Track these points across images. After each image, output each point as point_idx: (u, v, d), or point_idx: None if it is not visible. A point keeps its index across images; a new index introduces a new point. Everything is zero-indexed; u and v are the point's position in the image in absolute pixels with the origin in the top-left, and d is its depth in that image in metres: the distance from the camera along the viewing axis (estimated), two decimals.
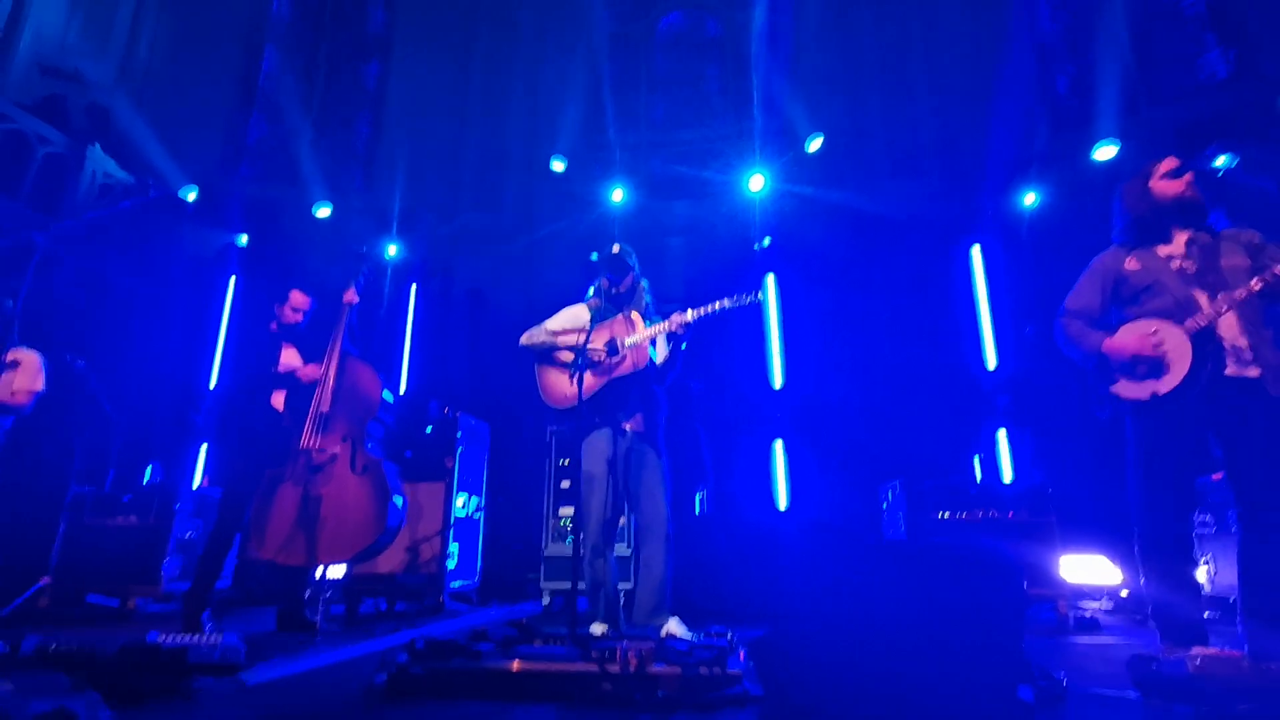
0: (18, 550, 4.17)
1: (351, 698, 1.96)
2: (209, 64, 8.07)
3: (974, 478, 5.32)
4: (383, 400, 3.50)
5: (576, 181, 7.30)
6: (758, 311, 6.35)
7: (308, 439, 3.29)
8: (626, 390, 3.11)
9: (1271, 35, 5.86)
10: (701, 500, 4.98)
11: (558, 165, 7.08)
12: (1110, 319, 2.44)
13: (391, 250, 6.84)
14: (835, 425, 5.87)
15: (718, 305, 2.99)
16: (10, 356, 3.41)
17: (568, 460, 4.72)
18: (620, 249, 3.25)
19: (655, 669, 1.89)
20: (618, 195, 6.81)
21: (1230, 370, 2.16)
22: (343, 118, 8.64)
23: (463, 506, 4.74)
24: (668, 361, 3.19)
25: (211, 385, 6.38)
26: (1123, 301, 2.39)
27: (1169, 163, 2.39)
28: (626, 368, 3.07)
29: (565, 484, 4.71)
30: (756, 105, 7.35)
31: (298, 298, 3.70)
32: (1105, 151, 5.95)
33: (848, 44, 7.42)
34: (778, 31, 7.39)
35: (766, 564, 4.32)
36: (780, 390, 6.12)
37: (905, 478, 4.26)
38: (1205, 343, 2.18)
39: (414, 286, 6.94)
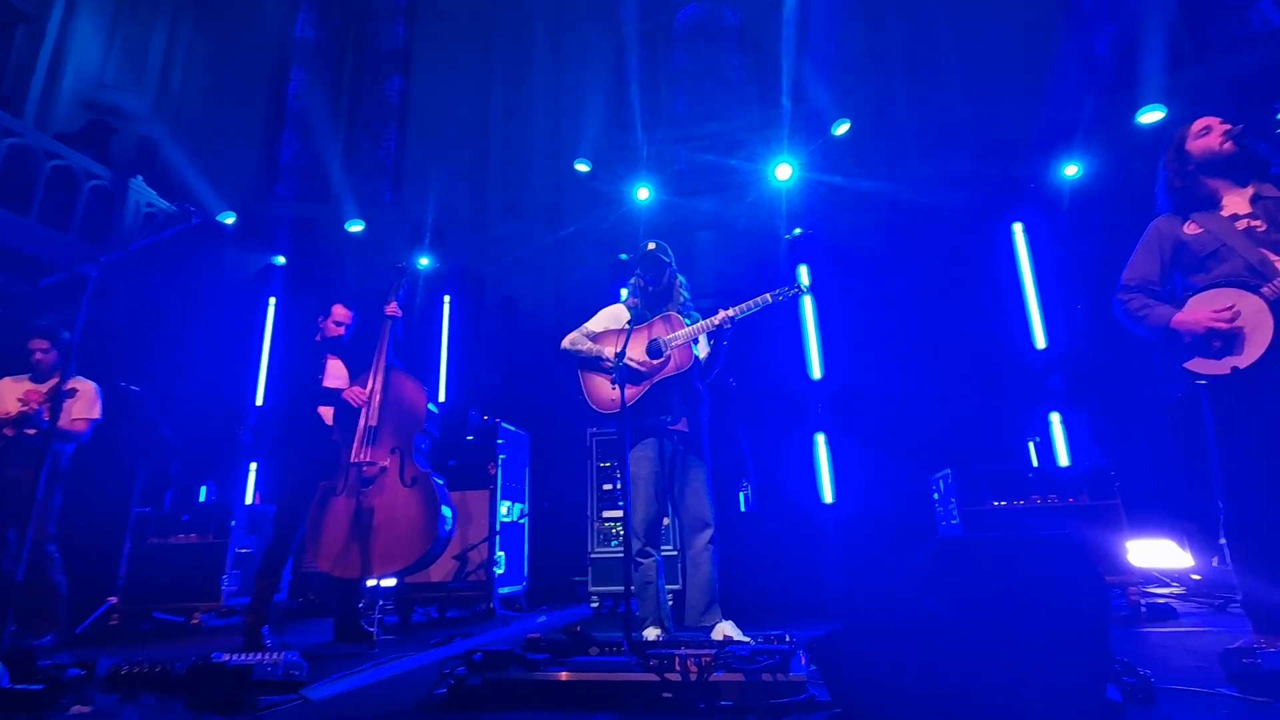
0: (86, 571, 4.33)
1: (412, 711, 1.96)
2: (239, 89, 8.28)
3: (1029, 463, 5.13)
4: (429, 412, 3.52)
5: (602, 182, 7.28)
6: (794, 303, 6.25)
7: (358, 453, 3.34)
8: (670, 392, 3.08)
9: None
10: (745, 496, 4.91)
11: (581, 167, 7.06)
12: (1175, 289, 2.26)
13: (423, 262, 6.92)
14: (879, 415, 5.74)
15: (760, 300, 2.96)
16: (68, 385, 3.54)
17: (609, 463, 4.70)
18: (656, 246, 3.20)
19: (717, 677, 1.84)
20: (643, 194, 6.77)
21: None
22: (370, 133, 8.79)
23: (507, 513, 4.76)
24: (710, 358, 3.16)
25: (258, 403, 6.55)
26: (1187, 269, 2.21)
27: (1200, 122, 2.25)
28: (670, 369, 3.04)
29: (607, 487, 4.70)
30: (780, 93, 7.23)
31: (340, 311, 3.76)
32: (1151, 116, 5.68)
33: (871, 24, 7.25)
34: (798, 15, 7.25)
35: (815, 559, 4.24)
36: (820, 381, 6.01)
37: (955, 466, 4.12)
38: None
39: (447, 298, 7.01)
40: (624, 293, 3.43)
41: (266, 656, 2.17)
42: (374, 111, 9.00)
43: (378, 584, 3.51)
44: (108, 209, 6.70)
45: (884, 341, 5.90)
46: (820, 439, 5.87)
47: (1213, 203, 2.20)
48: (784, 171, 6.39)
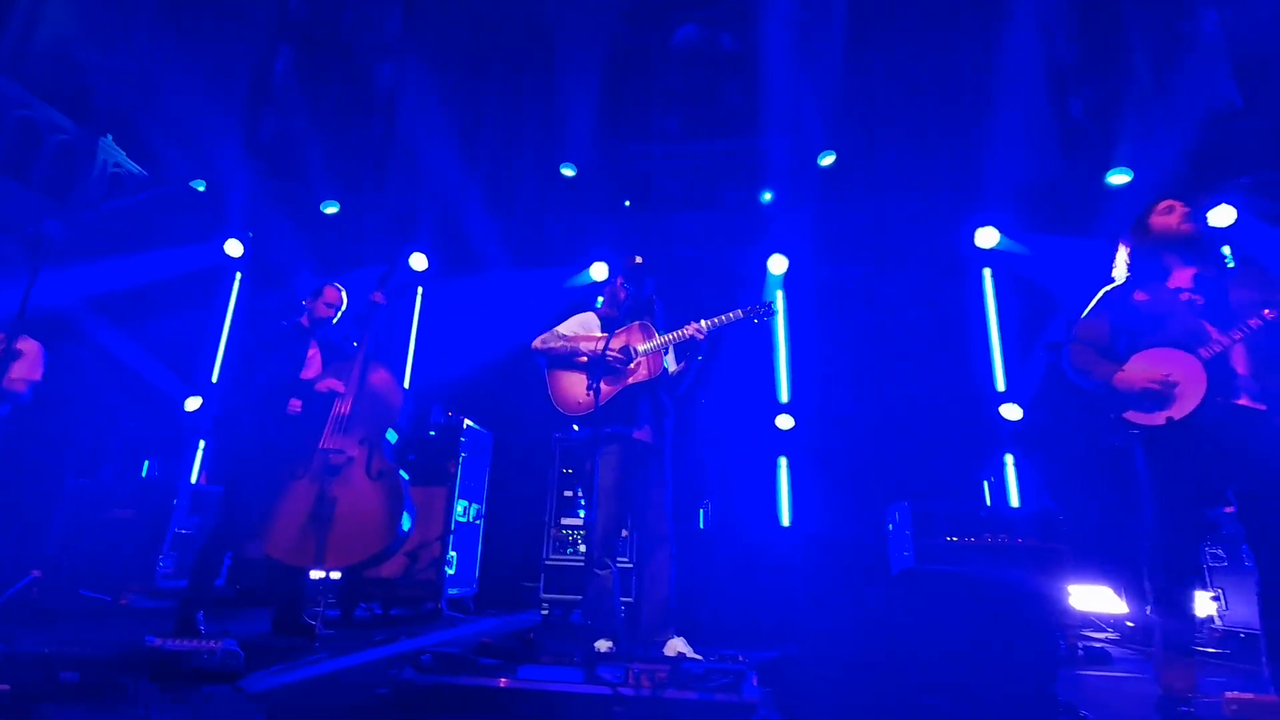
0: (11, 542, 4.11)
1: (353, 710, 1.90)
2: (223, 60, 8.07)
3: (983, 501, 5.26)
4: (402, 407, 3.46)
5: (587, 189, 7.28)
6: (766, 327, 6.33)
7: (327, 439, 3.25)
8: (638, 400, 3.08)
9: None
10: (705, 514, 4.92)
11: (567, 172, 7.06)
12: (1119, 347, 2.46)
13: (419, 262, 6.80)
14: (842, 443, 5.82)
15: (732, 316, 2.99)
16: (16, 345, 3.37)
17: (572, 469, 4.67)
18: (642, 260, 3.22)
19: (670, 694, 1.83)
20: (628, 204, 6.79)
21: (1242, 401, 2.18)
22: (357, 118, 8.64)
23: (463, 513, 4.68)
24: (681, 372, 3.18)
25: (213, 380, 6.32)
26: (1133, 332, 2.42)
27: (1165, 203, 2.49)
28: (640, 375, 3.05)
29: (568, 493, 4.66)
30: (769, 120, 7.35)
31: (332, 293, 3.64)
32: (1119, 178, 5.95)
33: (863, 63, 7.43)
34: (793, 48, 7.40)
35: (770, 582, 4.26)
36: (787, 406, 6.08)
37: (912, 499, 4.21)
38: (1218, 371, 2.21)
39: (420, 289, 6.90)
40: (600, 301, 3.44)
41: (203, 644, 2.08)
42: (363, 96, 8.86)
43: (326, 576, 3.41)
44: (72, 165, 6.43)
45: (853, 372, 6.00)
46: (783, 462, 5.92)
47: (1163, 275, 2.43)
48: (768, 197, 6.49)
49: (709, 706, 1.82)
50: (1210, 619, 4.42)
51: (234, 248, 6.52)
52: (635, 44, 8.61)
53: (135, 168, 7.08)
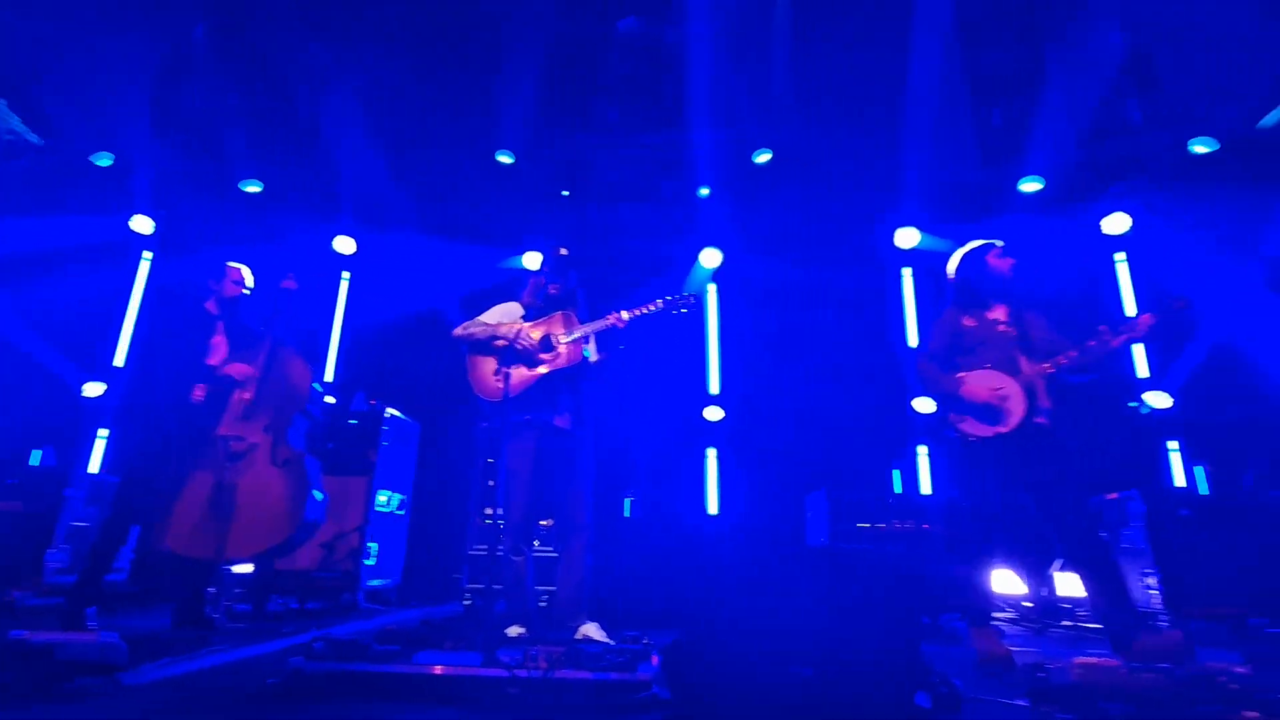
0: None
1: (239, 701, 1.85)
2: (136, 29, 7.57)
3: (893, 489, 5.50)
4: (312, 393, 3.35)
5: (525, 178, 7.20)
6: (699, 319, 6.43)
7: (228, 425, 3.12)
8: (558, 388, 3.09)
9: (1185, 83, 6.29)
10: (631, 504, 4.97)
11: (505, 159, 6.97)
12: (951, 363, 2.92)
13: (346, 245, 6.57)
14: (769, 434, 5.98)
15: (652, 307, 3.05)
16: None
17: (495, 459, 4.64)
18: (567, 252, 3.24)
19: (565, 674, 1.86)
20: (567, 194, 6.75)
21: (1040, 419, 2.71)
22: (281, 96, 8.25)
23: (386, 503, 4.58)
24: (604, 361, 3.20)
25: (118, 364, 5.96)
26: (962, 350, 2.89)
27: (997, 249, 2.99)
28: (560, 363, 3.06)
29: (492, 482, 4.63)
30: (706, 115, 7.41)
31: (239, 274, 3.48)
32: (1030, 185, 6.31)
33: (800, 64, 7.58)
34: (732, 44, 7.48)
35: (692, 569, 4.34)
36: (716, 397, 6.19)
37: (828, 488, 4.37)
38: (1030, 394, 2.72)
39: (346, 274, 6.69)
40: (524, 293, 3.43)
41: (79, 636, 1.98)
42: (289, 74, 8.46)
43: (234, 568, 3.29)
44: None
45: (781, 365, 6.16)
46: (711, 453, 6.04)
47: (986, 307, 2.94)
48: (704, 192, 6.57)
49: (603, 686, 1.86)
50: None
51: (142, 224, 6.15)
52: (577, 33, 8.53)
53: (35, 138, 6.57)
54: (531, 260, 6.38)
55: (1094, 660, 1.72)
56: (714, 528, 5.19)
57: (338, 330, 6.49)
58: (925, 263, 6.23)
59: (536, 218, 6.92)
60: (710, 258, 6.43)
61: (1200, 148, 5.93)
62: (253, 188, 6.71)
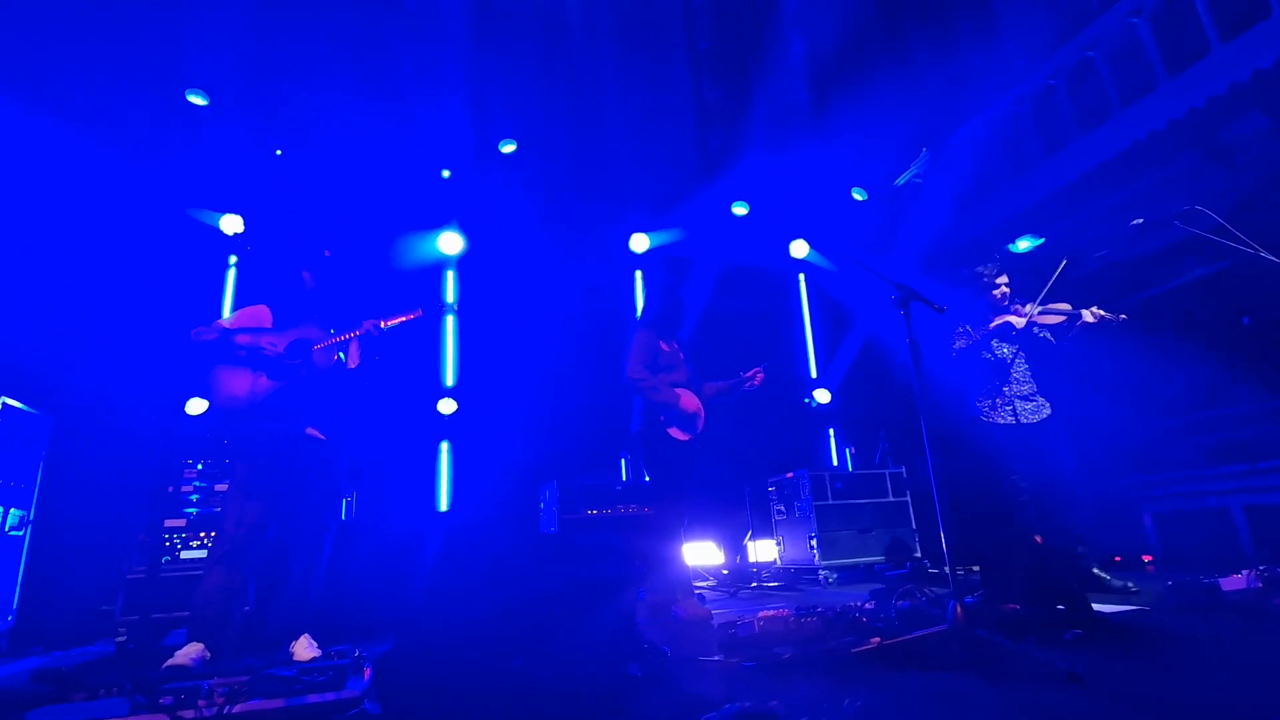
0: None
1: None
2: None
3: (620, 477, 5.88)
4: None
5: (225, 126, 6.08)
6: (436, 316, 6.10)
7: None
8: (306, 394, 2.89)
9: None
10: (349, 505, 4.53)
11: (197, 100, 5.82)
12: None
13: None
14: (504, 428, 5.93)
15: (410, 317, 3.07)
16: None
17: (193, 460, 3.85)
18: (331, 254, 3.09)
19: (252, 706, 1.59)
20: (280, 153, 5.87)
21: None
22: None
23: None
24: (358, 367, 3.06)
25: None
26: (660, 369, 3.46)
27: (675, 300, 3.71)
28: (312, 370, 2.89)
29: (176, 489, 3.83)
30: (454, 98, 7.08)
31: None
32: (739, 209, 7.27)
33: (548, 65, 7.66)
34: (477, 27, 7.26)
35: (420, 568, 4.11)
36: (451, 391, 5.96)
37: (561, 477, 4.50)
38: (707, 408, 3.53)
39: None
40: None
41: None
42: None
43: None
44: None
45: (517, 358, 6.15)
46: (444, 447, 5.79)
47: (673, 335, 3.62)
48: (445, 175, 6.28)
49: (303, 711, 1.64)
50: (774, 560, 5.67)
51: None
52: None
53: None
54: (233, 224, 5.43)
55: (771, 613, 2.02)
56: (443, 525, 4.98)
57: None
58: (652, 265, 6.79)
59: (244, 172, 5.90)
60: (450, 242, 6.16)
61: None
62: None
